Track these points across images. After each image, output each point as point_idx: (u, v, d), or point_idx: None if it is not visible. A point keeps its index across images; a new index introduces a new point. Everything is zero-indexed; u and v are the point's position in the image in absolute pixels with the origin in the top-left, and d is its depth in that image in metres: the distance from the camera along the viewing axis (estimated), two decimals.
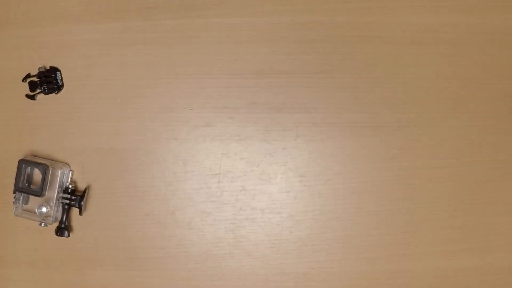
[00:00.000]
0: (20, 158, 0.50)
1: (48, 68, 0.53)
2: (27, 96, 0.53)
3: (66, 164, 0.52)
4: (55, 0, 0.53)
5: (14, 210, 0.51)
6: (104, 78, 0.53)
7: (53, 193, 0.51)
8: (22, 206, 0.51)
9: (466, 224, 0.52)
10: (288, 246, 0.52)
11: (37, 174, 0.51)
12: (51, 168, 0.50)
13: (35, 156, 0.53)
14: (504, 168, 0.52)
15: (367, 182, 0.52)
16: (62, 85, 0.53)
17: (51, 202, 0.51)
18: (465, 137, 0.52)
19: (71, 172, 0.52)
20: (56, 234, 0.51)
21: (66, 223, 0.51)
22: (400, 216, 0.52)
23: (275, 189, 0.52)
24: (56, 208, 0.51)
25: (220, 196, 0.52)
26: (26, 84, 0.53)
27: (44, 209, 0.50)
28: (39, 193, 0.49)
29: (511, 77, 0.52)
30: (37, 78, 0.53)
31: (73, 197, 0.51)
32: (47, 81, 0.52)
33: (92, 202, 0.53)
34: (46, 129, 0.53)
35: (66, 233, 0.51)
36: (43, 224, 0.50)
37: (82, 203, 0.50)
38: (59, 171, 0.51)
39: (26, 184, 0.50)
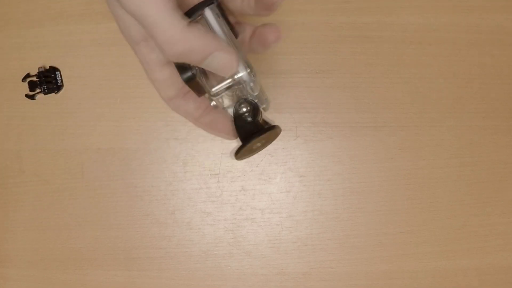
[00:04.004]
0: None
1: (48, 68, 0.53)
2: (27, 96, 0.53)
3: None
4: (55, 0, 0.53)
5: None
6: (104, 78, 0.53)
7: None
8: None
9: (466, 224, 0.52)
10: (288, 246, 0.52)
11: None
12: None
13: None
14: (504, 168, 0.52)
15: (367, 182, 0.52)
16: (62, 85, 0.53)
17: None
18: (465, 137, 0.52)
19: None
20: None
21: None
22: (400, 216, 0.52)
23: (275, 189, 0.52)
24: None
25: (219, 196, 0.52)
26: (26, 84, 0.53)
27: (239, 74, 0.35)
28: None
29: (511, 77, 0.52)
30: (36, 78, 0.53)
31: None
32: (46, 81, 0.52)
33: (92, 202, 0.53)
34: (46, 129, 0.53)
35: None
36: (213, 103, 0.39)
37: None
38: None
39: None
